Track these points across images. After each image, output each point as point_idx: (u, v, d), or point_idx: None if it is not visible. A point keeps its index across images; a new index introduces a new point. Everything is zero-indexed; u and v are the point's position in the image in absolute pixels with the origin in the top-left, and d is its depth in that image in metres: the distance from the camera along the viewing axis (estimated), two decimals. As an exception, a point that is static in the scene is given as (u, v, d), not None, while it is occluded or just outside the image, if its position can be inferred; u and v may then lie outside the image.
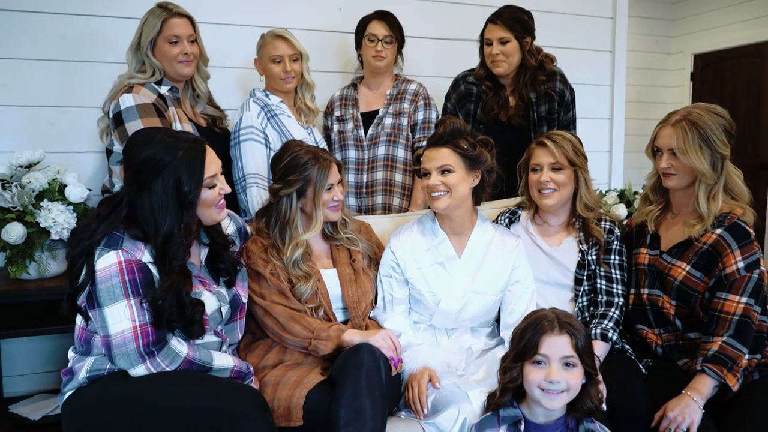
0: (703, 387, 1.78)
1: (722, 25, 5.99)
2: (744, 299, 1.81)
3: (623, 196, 3.07)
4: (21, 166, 2.41)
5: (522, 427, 1.60)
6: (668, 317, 1.98)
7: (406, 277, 2.06)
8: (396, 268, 2.07)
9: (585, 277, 2.11)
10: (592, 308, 2.10)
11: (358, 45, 2.84)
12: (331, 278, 2.01)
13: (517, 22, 2.60)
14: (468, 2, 3.40)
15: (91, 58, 2.77)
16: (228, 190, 1.72)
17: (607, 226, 2.15)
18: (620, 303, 2.07)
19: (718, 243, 1.86)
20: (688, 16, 6.31)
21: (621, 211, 2.92)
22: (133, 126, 2.19)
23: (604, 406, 1.67)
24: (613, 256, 2.12)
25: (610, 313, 2.04)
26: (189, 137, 1.64)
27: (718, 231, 1.87)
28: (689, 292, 1.92)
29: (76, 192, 2.36)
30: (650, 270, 2.03)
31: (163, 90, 2.36)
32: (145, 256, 1.57)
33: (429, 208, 2.11)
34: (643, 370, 1.98)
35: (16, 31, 2.66)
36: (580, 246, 2.14)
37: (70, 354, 1.71)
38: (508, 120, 2.72)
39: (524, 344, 1.58)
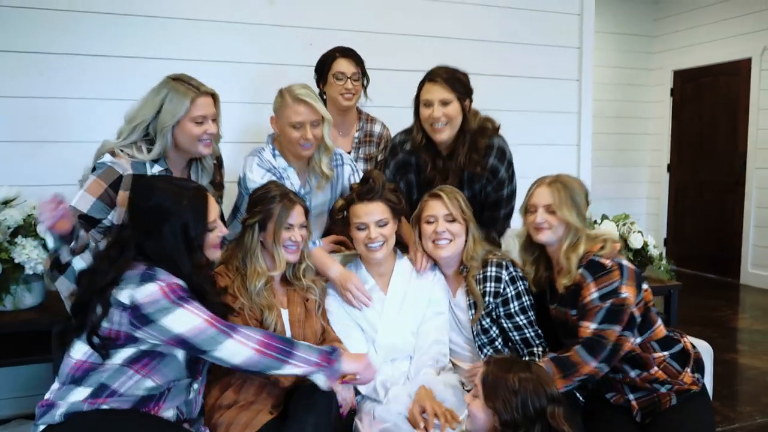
0: None
1: (701, 42, 6.12)
2: (593, 326, 1.96)
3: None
4: (-4, 203, 2.52)
5: None
6: None
7: (348, 315, 2.22)
8: (337, 305, 2.24)
9: (481, 330, 2.18)
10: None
11: (323, 82, 2.81)
12: (285, 317, 2.10)
13: (458, 82, 2.41)
14: (438, 35, 3.53)
15: (70, 95, 2.89)
16: (226, 232, 1.87)
17: (493, 273, 2.18)
18: (539, 349, 2.16)
19: (580, 280, 2.04)
20: (669, 33, 6.43)
21: (613, 233, 3.02)
22: (90, 179, 2.09)
23: None
24: (512, 305, 2.17)
25: (533, 349, 2.17)
26: (191, 185, 1.79)
27: (580, 270, 2.04)
28: None
29: (47, 229, 2.46)
30: (560, 322, 2.17)
31: (156, 170, 2.16)
32: (181, 281, 1.70)
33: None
34: (581, 399, 2.12)
35: (-5, 68, 2.78)
36: (468, 300, 2.22)
37: (54, 386, 1.72)
38: None
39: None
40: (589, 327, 1.97)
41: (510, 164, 2.52)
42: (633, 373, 2.04)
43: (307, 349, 1.78)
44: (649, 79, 6.60)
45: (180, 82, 2.13)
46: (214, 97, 2.18)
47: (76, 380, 1.65)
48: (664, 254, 3.16)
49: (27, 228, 2.49)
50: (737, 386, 3.49)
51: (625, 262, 2.05)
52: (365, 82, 2.84)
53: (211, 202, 1.79)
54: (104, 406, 1.62)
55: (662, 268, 3.06)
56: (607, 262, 2.01)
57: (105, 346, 1.64)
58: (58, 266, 2.16)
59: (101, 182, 2.06)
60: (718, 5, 5.91)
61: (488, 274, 2.19)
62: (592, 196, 3.89)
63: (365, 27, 3.37)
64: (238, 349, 1.67)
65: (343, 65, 2.74)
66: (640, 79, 6.57)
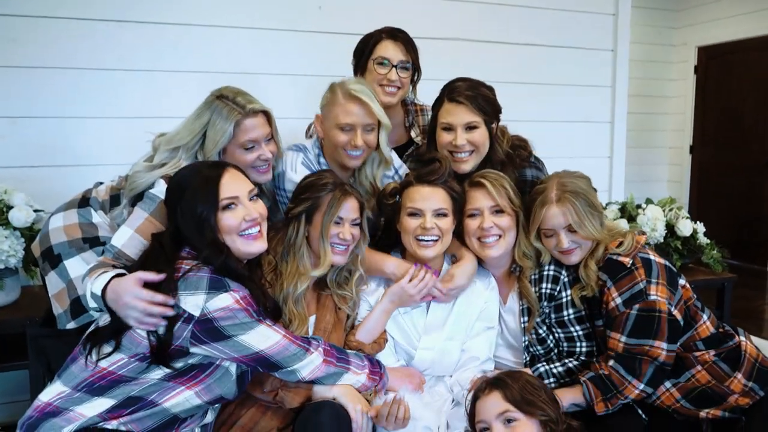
0: (571, 396, 1.74)
1: (728, 16, 5.76)
2: (623, 338, 1.72)
3: (625, 210, 2.85)
4: (-38, 188, 2.20)
5: None
6: None
7: None
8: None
9: (537, 340, 1.88)
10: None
11: (361, 69, 2.24)
12: (309, 323, 1.81)
13: (486, 101, 1.96)
14: None
15: (45, 64, 2.55)
16: (255, 215, 1.57)
17: (551, 272, 1.88)
18: (582, 356, 1.88)
19: (600, 284, 1.80)
20: (693, 7, 6.08)
21: (623, 226, 2.70)
22: (138, 214, 1.73)
23: None
24: (566, 312, 1.87)
25: (565, 360, 1.87)
26: (211, 162, 1.65)
27: (599, 274, 1.80)
28: None
29: (19, 216, 2.14)
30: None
31: None
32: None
33: None
34: (644, 417, 1.80)
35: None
36: (521, 305, 1.91)
37: (57, 388, 1.47)
38: None
39: (468, 416, 1.61)
40: (621, 340, 1.72)
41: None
42: (668, 384, 1.78)
43: (355, 356, 1.71)
44: (671, 56, 6.25)
45: (224, 101, 1.80)
46: (266, 114, 1.86)
47: (97, 390, 1.44)
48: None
49: (-3, 216, 2.17)
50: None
51: (652, 256, 1.78)
52: (416, 77, 2.29)
53: (230, 177, 1.57)
54: (123, 425, 1.43)
55: (713, 259, 2.74)
56: (627, 260, 1.75)
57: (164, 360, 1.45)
58: (50, 258, 1.88)
59: (157, 223, 1.67)
60: (746, -25, 5.57)
61: (545, 273, 1.88)
62: (625, 178, 3.64)
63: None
64: (312, 360, 1.57)
65: (389, 49, 2.18)
66: (661, 56, 6.23)
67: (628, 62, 3.70)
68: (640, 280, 1.71)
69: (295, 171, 1.95)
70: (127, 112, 2.65)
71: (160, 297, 1.42)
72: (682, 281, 1.80)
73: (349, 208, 1.79)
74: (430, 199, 1.81)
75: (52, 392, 1.46)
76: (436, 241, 1.82)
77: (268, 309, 1.57)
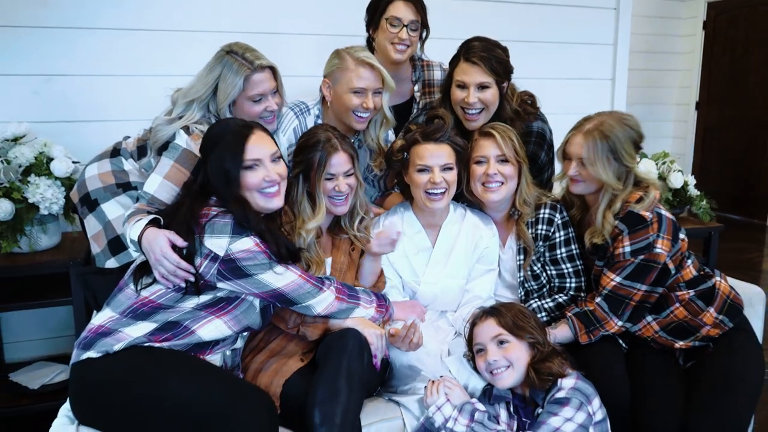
0: (561, 335, 1.94)
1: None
2: (617, 279, 1.90)
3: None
4: (6, 140, 2.39)
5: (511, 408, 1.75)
6: None
7: (390, 262, 2.11)
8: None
9: (531, 276, 2.09)
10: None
11: (373, 26, 2.42)
12: (326, 265, 2.01)
13: (499, 63, 2.11)
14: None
15: (75, 24, 2.71)
16: (274, 177, 1.72)
17: (546, 215, 2.08)
18: (572, 291, 2.08)
19: (615, 234, 1.92)
20: (704, -40, 6.05)
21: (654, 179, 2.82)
22: (165, 162, 1.91)
23: (569, 371, 1.72)
24: (559, 251, 2.07)
25: (555, 296, 2.07)
26: (242, 122, 1.77)
27: (616, 223, 1.92)
28: None
29: (60, 167, 2.34)
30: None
31: None
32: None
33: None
34: (624, 346, 2.00)
35: (-6, -2, 2.59)
36: (518, 245, 2.11)
37: (107, 314, 1.66)
38: None
39: (467, 341, 1.84)
40: (614, 279, 1.91)
41: (550, 146, 2.29)
42: (649, 318, 1.97)
43: (363, 292, 1.89)
44: (680, 11, 6.24)
45: (233, 56, 1.96)
46: (272, 69, 2.02)
47: (140, 315, 1.64)
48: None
49: (39, 166, 2.38)
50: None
51: (664, 212, 1.94)
52: (424, 34, 2.46)
53: (256, 139, 1.71)
54: (165, 345, 1.61)
55: (702, 209, 2.91)
56: (647, 215, 1.89)
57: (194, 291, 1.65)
58: (88, 203, 2.10)
59: (183, 169, 1.88)
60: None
61: (540, 216, 2.08)
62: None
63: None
64: (326, 297, 1.75)
65: (400, 9, 2.34)
66: (671, 12, 6.21)
67: (631, 18, 3.74)
68: (651, 234, 1.85)
69: (284, 134, 2.15)
70: (152, 70, 2.79)
71: (185, 264, 1.61)
72: (682, 235, 1.95)
73: (340, 162, 1.92)
74: (437, 155, 1.97)
75: (103, 317, 1.67)
76: (444, 193, 1.99)
77: (283, 254, 1.69)
